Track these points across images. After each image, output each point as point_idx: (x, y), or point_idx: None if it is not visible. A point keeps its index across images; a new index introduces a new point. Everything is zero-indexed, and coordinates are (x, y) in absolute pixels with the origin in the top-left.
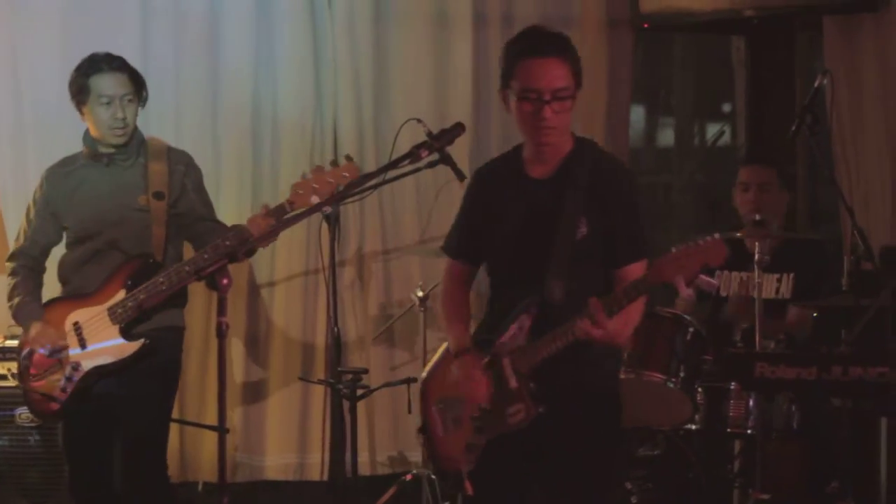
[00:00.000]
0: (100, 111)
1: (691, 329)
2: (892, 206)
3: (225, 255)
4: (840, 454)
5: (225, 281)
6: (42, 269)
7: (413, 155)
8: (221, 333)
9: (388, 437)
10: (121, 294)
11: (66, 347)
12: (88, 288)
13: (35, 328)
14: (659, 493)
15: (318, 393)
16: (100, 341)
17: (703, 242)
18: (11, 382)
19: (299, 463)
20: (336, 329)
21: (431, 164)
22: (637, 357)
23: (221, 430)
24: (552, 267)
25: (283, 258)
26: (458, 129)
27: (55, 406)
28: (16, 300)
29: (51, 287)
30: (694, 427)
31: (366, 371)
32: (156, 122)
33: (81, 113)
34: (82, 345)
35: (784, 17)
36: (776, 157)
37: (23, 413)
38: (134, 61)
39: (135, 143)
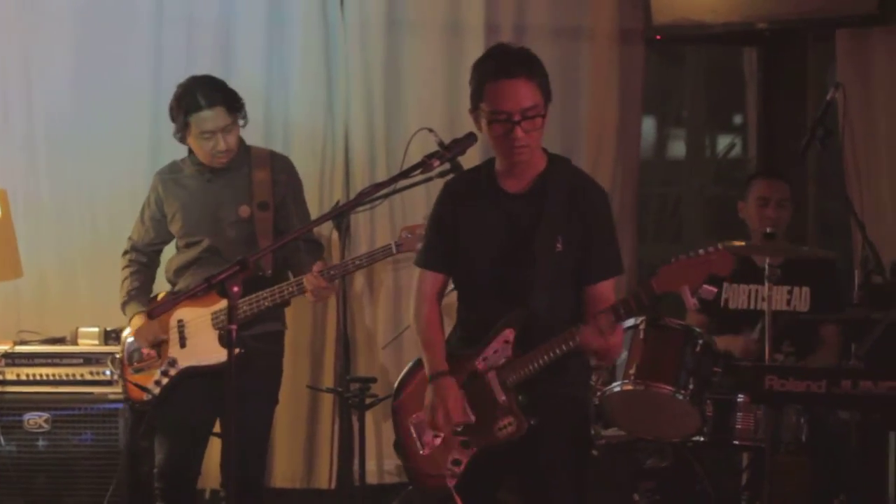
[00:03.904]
0: (202, 144)
1: (700, 341)
2: None
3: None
4: (848, 468)
5: (235, 289)
6: (154, 265)
7: (424, 164)
8: (230, 341)
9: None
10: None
11: (165, 342)
12: None
13: (138, 320)
14: None
15: (327, 401)
16: (198, 342)
17: (709, 252)
18: (20, 388)
19: (307, 471)
20: (345, 337)
21: (443, 174)
22: (646, 368)
23: (228, 437)
24: (536, 280)
25: None
26: (470, 138)
27: (147, 397)
28: (124, 291)
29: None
30: (702, 439)
31: (374, 380)
32: (168, 129)
33: (184, 141)
34: (182, 343)
35: (796, 30)
36: (787, 171)
37: (31, 419)
38: (146, 69)
39: (237, 155)
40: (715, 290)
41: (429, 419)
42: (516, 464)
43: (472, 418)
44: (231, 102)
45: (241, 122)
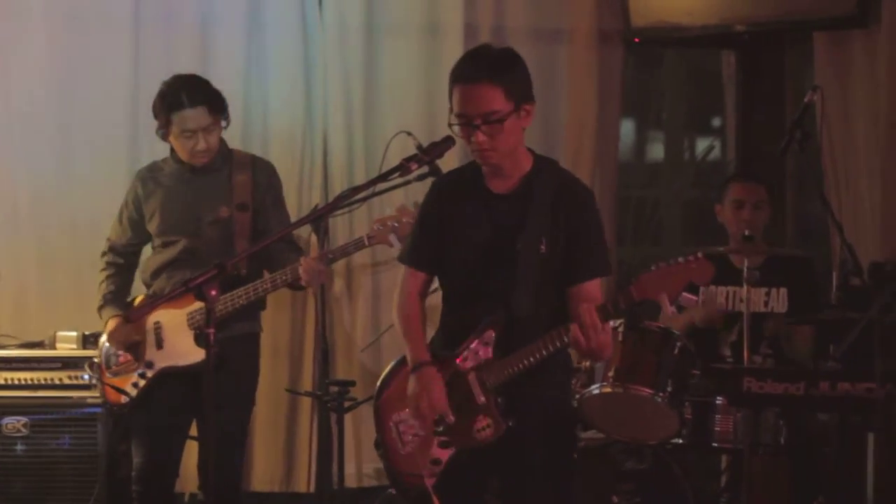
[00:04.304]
0: (183, 142)
1: (679, 343)
2: (882, 221)
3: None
4: (827, 469)
5: (213, 292)
6: (133, 266)
7: (403, 168)
8: (208, 344)
9: (375, 449)
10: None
11: (139, 343)
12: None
13: (112, 324)
14: None
15: (306, 404)
16: (174, 344)
17: (688, 261)
18: None
19: (286, 474)
20: (324, 340)
21: (421, 178)
22: (624, 371)
23: (208, 440)
24: (519, 281)
25: None
26: (448, 142)
27: (125, 399)
28: (100, 295)
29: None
30: (681, 441)
31: (353, 383)
32: (147, 131)
33: (165, 138)
34: (159, 345)
35: (775, 33)
36: (766, 173)
37: (9, 423)
38: (125, 70)
39: (219, 157)
40: (695, 298)
41: (413, 409)
42: (498, 466)
43: (452, 418)
44: (214, 103)
45: (223, 123)
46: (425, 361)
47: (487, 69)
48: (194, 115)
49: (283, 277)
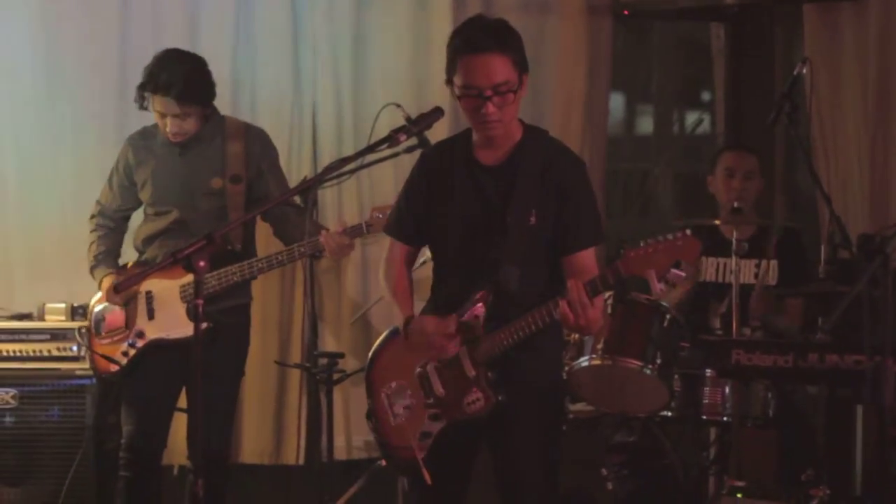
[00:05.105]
0: (159, 120)
1: (668, 315)
2: (870, 193)
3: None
4: (816, 442)
5: (202, 264)
6: (122, 230)
7: (391, 139)
8: (197, 315)
9: (364, 422)
10: None
11: (134, 300)
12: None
13: (107, 281)
14: (634, 479)
15: (295, 377)
16: (166, 315)
17: (676, 238)
18: None
19: (275, 447)
20: (313, 313)
21: (410, 149)
22: (613, 343)
23: (194, 411)
24: (507, 254)
25: (261, 242)
26: (437, 113)
27: (114, 368)
28: (91, 255)
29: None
30: (670, 414)
31: (342, 355)
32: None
33: (144, 108)
34: (150, 315)
35: (764, 5)
36: (755, 145)
37: None
38: (112, 39)
39: (210, 126)
40: (684, 274)
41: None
42: (488, 439)
43: (442, 391)
44: (186, 95)
45: (207, 107)
46: (412, 316)
47: (496, 40)
48: (164, 103)
49: (301, 250)
